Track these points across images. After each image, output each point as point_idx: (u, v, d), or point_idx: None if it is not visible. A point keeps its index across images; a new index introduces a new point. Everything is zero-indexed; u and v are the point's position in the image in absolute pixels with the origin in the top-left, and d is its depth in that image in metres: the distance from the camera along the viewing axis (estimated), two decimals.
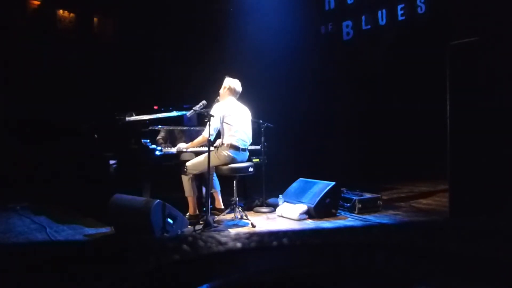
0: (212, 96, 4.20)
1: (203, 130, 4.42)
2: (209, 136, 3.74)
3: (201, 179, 4.34)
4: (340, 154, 6.93)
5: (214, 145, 4.06)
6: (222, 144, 4.02)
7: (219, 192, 4.36)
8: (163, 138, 4.45)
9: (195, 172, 4.01)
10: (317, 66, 7.35)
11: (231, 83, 4.18)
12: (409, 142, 7.03)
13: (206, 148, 3.74)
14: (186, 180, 4.01)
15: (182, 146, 4.15)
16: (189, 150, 4.15)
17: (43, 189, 5.65)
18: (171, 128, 4.42)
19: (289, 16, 7.23)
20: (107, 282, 0.62)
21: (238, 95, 4.22)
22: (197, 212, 4.05)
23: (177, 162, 4.13)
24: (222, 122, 4.00)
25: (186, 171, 3.99)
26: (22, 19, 6.66)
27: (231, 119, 4.01)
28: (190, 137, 4.61)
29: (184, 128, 4.54)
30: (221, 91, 4.19)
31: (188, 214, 4.03)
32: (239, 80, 4.24)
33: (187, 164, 4.02)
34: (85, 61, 6.74)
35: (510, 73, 3.21)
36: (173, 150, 4.15)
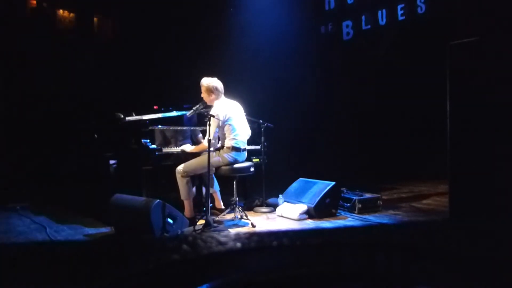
0: None
1: (203, 130, 4.43)
2: (209, 136, 3.74)
3: (200, 179, 4.34)
4: (340, 154, 6.92)
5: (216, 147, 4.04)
6: (223, 146, 4.01)
7: (218, 193, 4.35)
8: (163, 138, 4.45)
9: (193, 173, 4.00)
10: (317, 66, 7.35)
11: (211, 84, 4.02)
12: (409, 142, 7.04)
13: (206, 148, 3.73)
14: (184, 183, 3.93)
15: (187, 148, 4.14)
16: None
17: (43, 189, 5.65)
18: (171, 128, 4.42)
19: (289, 16, 7.23)
20: (107, 282, 0.62)
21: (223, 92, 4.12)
22: (194, 215, 4.02)
23: (177, 162, 4.12)
24: (223, 125, 3.98)
25: (181, 172, 3.95)
26: (22, 19, 6.66)
27: (231, 122, 4.00)
28: (190, 137, 4.61)
29: (184, 128, 4.54)
30: (206, 97, 4.04)
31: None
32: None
33: (182, 166, 3.97)
34: (85, 61, 6.73)
35: (510, 73, 3.21)
36: (176, 150, 4.15)
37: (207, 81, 4.06)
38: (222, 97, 4.11)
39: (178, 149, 4.16)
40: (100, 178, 4.67)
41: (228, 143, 4.01)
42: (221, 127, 3.98)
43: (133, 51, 6.99)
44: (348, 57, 7.20)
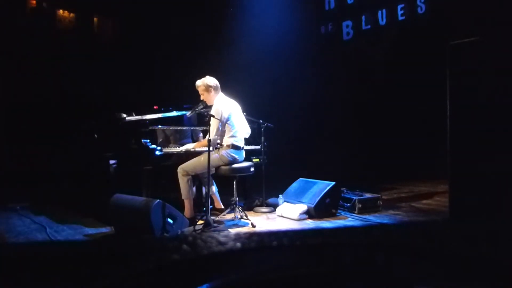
0: None
1: (204, 129, 4.44)
2: (210, 136, 3.73)
3: (199, 180, 4.33)
4: (340, 154, 6.92)
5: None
6: (222, 145, 4.02)
7: (216, 193, 4.34)
8: (163, 138, 4.45)
9: (193, 173, 4.00)
10: (317, 66, 7.35)
11: (206, 81, 4.04)
12: (409, 142, 7.03)
13: (206, 148, 3.73)
14: (185, 182, 3.94)
15: (189, 147, 4.15)
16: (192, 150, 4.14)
17: (43, 189, 5.65)
18: (171, 128, 4.42)
19: (289, 16, 7.23)
20: (107, 282, 0.62)
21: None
22: (194, 215, 4.02)
23: (177, 162, 4.12)
24: (224, 123, 3.99)
25: (182, 171, 3.95)
26: (22, 19, 6.66)
27: (232, 120, 4.02)
28: (190, 137, 4.61)
29: (185, 128, 4.54)
30: (206, 96, 4.05)
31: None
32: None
33: (183, 165, 3.97)
34: (85, 61, 6.73)
35: (510, 73, 3.20)
36: (178, 150, 4.15)
37: (201, 81, 4.08)
38: (221, 93, 4.12)
39: (179, 149, 4.16)
40: (100, 178, 4.67)
41: (227, 141, 4.02)
42: (222, 124, 3.99)
43: (133, 51, 6.99)
44: (348, 57, 7.20)
